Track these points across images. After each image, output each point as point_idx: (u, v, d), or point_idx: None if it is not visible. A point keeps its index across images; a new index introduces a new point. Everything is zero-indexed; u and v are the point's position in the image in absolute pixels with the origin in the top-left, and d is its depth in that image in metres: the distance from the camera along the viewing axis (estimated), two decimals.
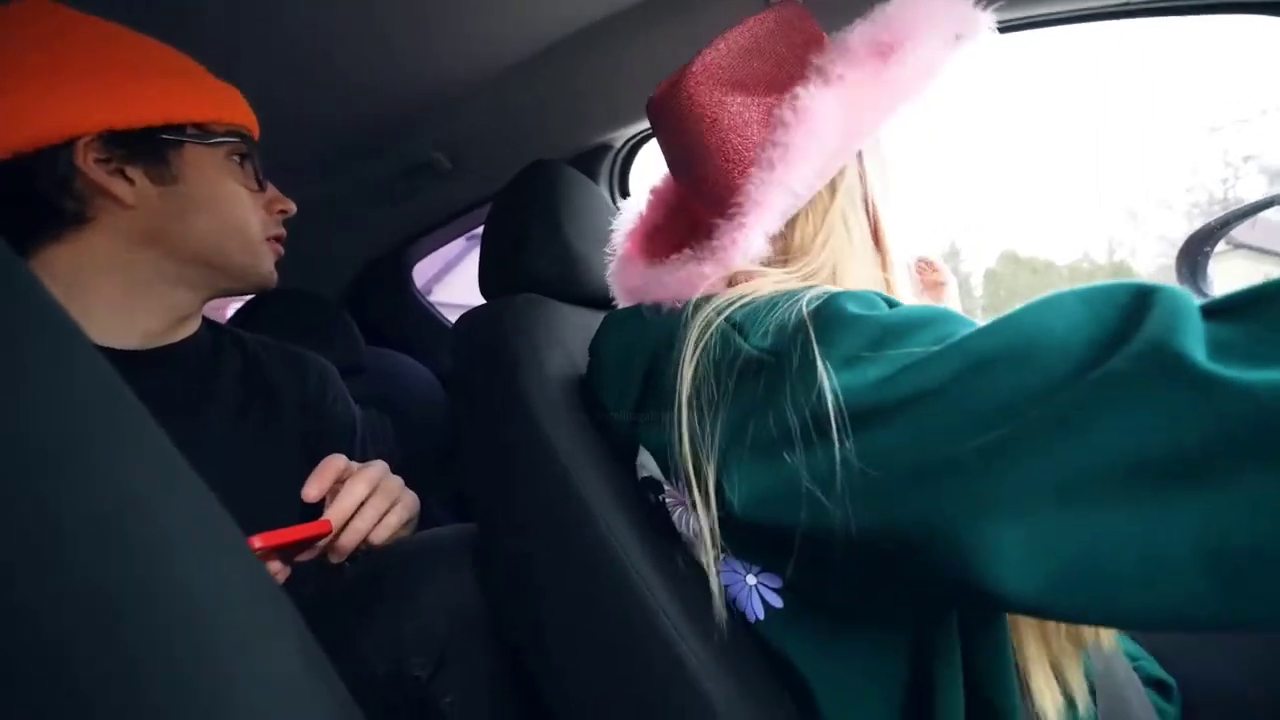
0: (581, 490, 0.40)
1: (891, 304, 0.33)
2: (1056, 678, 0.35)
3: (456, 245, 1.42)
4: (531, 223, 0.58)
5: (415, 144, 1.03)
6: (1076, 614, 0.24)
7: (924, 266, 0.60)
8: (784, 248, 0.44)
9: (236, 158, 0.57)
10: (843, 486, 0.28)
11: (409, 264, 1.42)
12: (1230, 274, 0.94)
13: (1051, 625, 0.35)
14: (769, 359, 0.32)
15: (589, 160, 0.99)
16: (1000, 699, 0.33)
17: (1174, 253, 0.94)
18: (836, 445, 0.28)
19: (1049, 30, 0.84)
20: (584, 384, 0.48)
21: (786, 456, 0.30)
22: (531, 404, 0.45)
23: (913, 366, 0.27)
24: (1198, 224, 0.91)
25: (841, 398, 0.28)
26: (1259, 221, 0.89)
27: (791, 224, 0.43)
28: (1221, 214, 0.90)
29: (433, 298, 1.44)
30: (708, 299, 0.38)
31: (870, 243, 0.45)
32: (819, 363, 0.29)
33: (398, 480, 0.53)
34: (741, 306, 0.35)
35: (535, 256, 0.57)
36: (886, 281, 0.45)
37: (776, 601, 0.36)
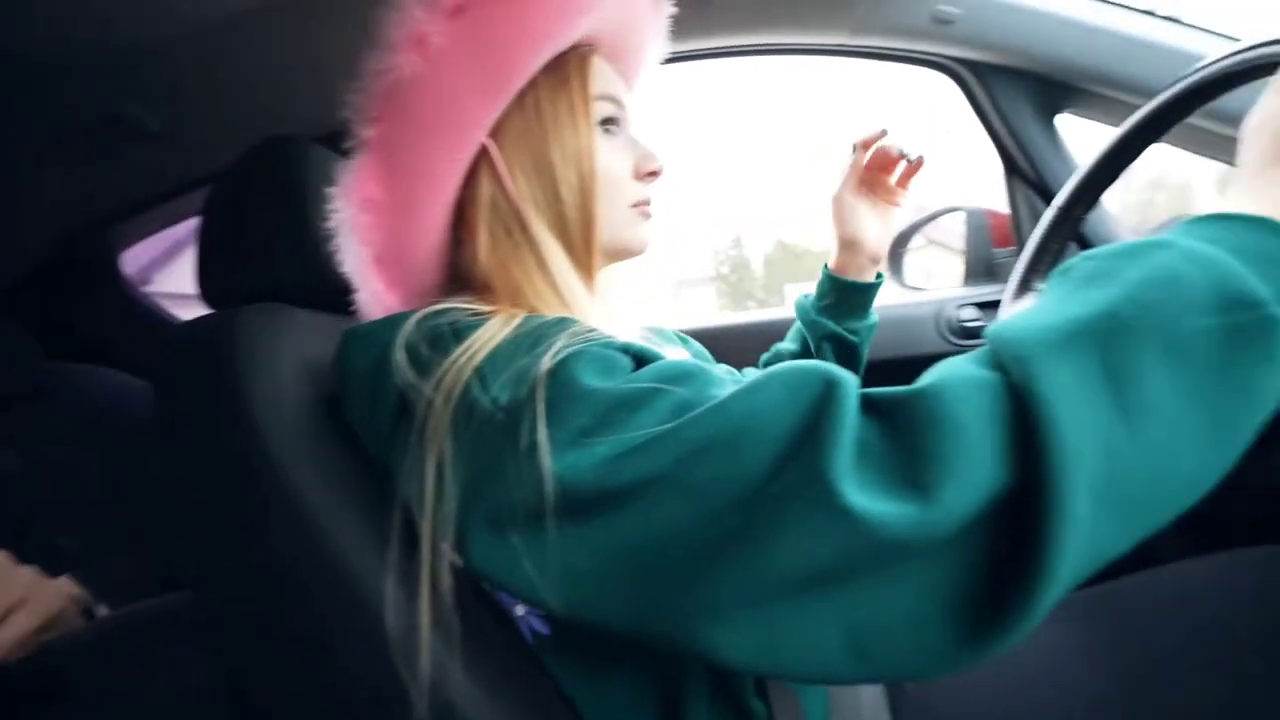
0: (335, 542, 0.35)
1: (642, 356, 0.32)
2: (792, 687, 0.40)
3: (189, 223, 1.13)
4: (264, 213, 0.48)
5: (107, 87, 0.78)
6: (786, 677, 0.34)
7: (883, 162, 0.59)
8: (458, 273, 0.43)
9: None
10: (565, 577, 0.28)
11: (113, 250, 1.09)
12: (923, 262, 1.21)
13: None
14: (502, 417, 0.30)
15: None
16: (747, 705, 0.37)
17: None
18: (555, 534, 0.27)
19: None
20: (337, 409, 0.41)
21: (512, 537, 0.29)
22: (269, 445, 0.37)
23: (637, 450, 0.27)
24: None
25: (565, 482, 0.27)
26: (939, 223, 1.17)
27: (459, 245, 0.43)
28: (912, 221, 1.17)
29: (154, 288, 1.14)
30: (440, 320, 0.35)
31: (552, 249, 0.42)
32: (542, 444, 0.28)
33: (26, 574, 0.44)
34: (488, 353, 0.32)
35: (272, 255, 0.47)
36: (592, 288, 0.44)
37: (544, 629, 0.37)
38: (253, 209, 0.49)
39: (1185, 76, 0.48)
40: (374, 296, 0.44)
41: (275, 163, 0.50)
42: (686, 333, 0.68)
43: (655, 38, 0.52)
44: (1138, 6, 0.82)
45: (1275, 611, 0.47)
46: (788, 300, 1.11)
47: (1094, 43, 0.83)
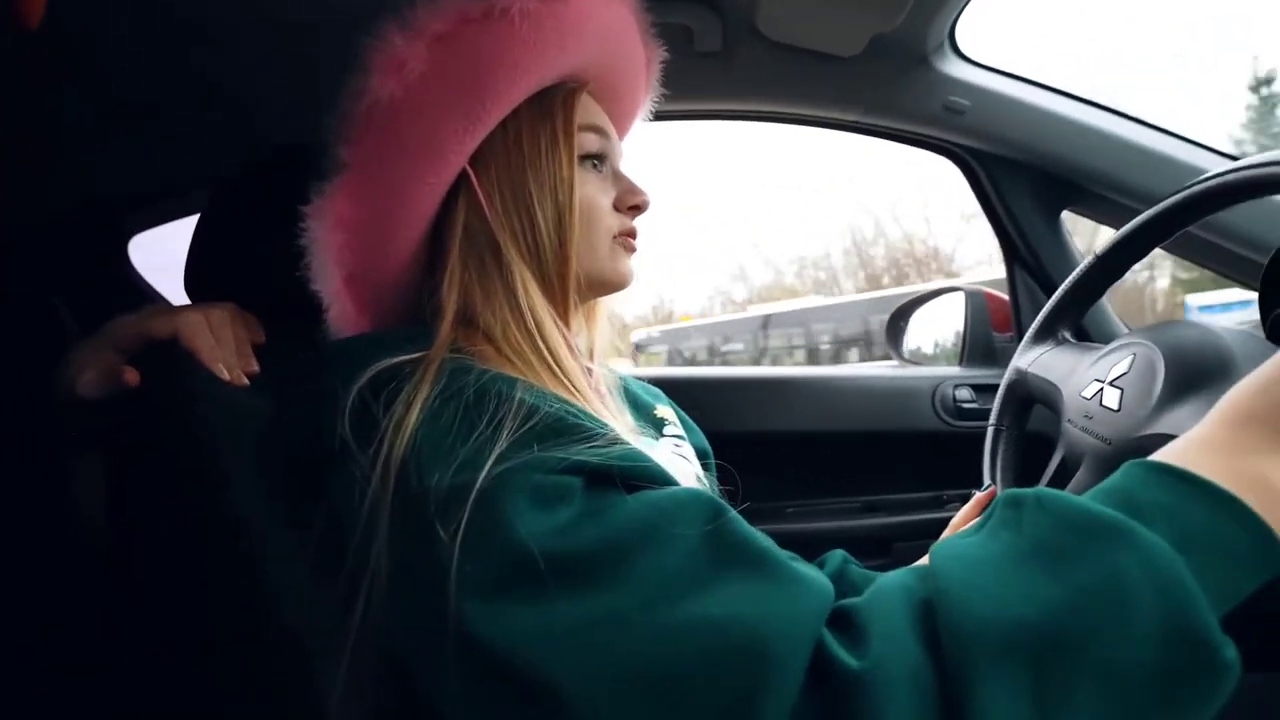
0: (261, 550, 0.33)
1: (595, 473, 0.30)
2: None
3: None
4: (255, 222, 0.48)
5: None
6: None
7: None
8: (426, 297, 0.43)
9: None
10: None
11: (124, 233, 1.10)
12: (921, 338, 1.22)
13: None
14: (432, 507, 0.28)
15: None
16: None
17: None
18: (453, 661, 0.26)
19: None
20: None
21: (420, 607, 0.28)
22: (220, 457, 0.35)
23: (547, 639, 0.25)
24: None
25: (467, 625, 0.26)
26: (939, 302, 1.18)
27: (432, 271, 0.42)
28: (911, 296, 1.18)
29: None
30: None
31: (524, 278, 0.41)
32: (453, 579, 0.26)
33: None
34: (419, 423, 0.30)
35: (256, 263, 0.47)
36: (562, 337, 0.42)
37: None
38: (245, 217, 0.49)
39: (1187, 187, 0.49)
40: (343, 316, 0.43)
41: (275, 174, 0.50)
42: (669, 381, 0.67)
43: (645, 82, 0.53)
44: (1147, 120, 0.85)
45: None
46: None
47: (1099, 145, 0.86)
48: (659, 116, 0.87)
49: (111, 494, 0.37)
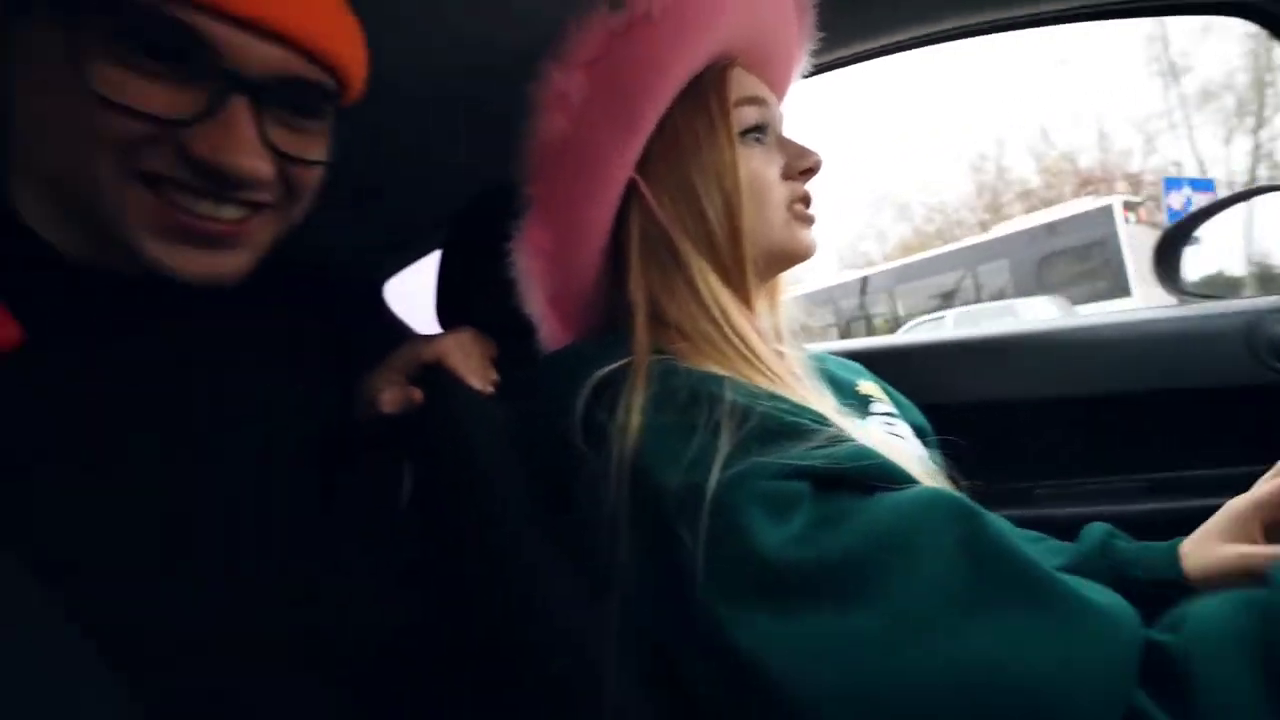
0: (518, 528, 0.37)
1: (822, 477, 0.28)
2: None
3: None
4: (483, 253, 0.55)
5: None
6: None
7: None
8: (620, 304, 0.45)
9: None
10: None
11: (379, 279, 1.37)
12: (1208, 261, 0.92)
13: None
14: (672, 504, 0.29)
15: None
16: None
17: None
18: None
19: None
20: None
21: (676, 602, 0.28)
22: (477, 453, 0.42)
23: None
24: None
25: (725, 630, 0.26)
26: (1239, 211, 0.88)
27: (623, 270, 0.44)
28: (1202, 205, 0.89)
29: None
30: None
31: (702, 269, 0.41)
32: (698, 593, 0.27)
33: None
34: (642, 428, 0.32)
35: (488, 290, 0.54)
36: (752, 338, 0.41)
37: None
38: (473, 249, 0.57)
39: None
40: (551, 333, 0.48)
41: (487, 212, 0.58)
42: (868, 353, 0.61)
43: (798, 37, 0.50)
44: None
45: None
46: None
47: None
48: (824, 68, 0.79)
49: (416, 495, 0.47)
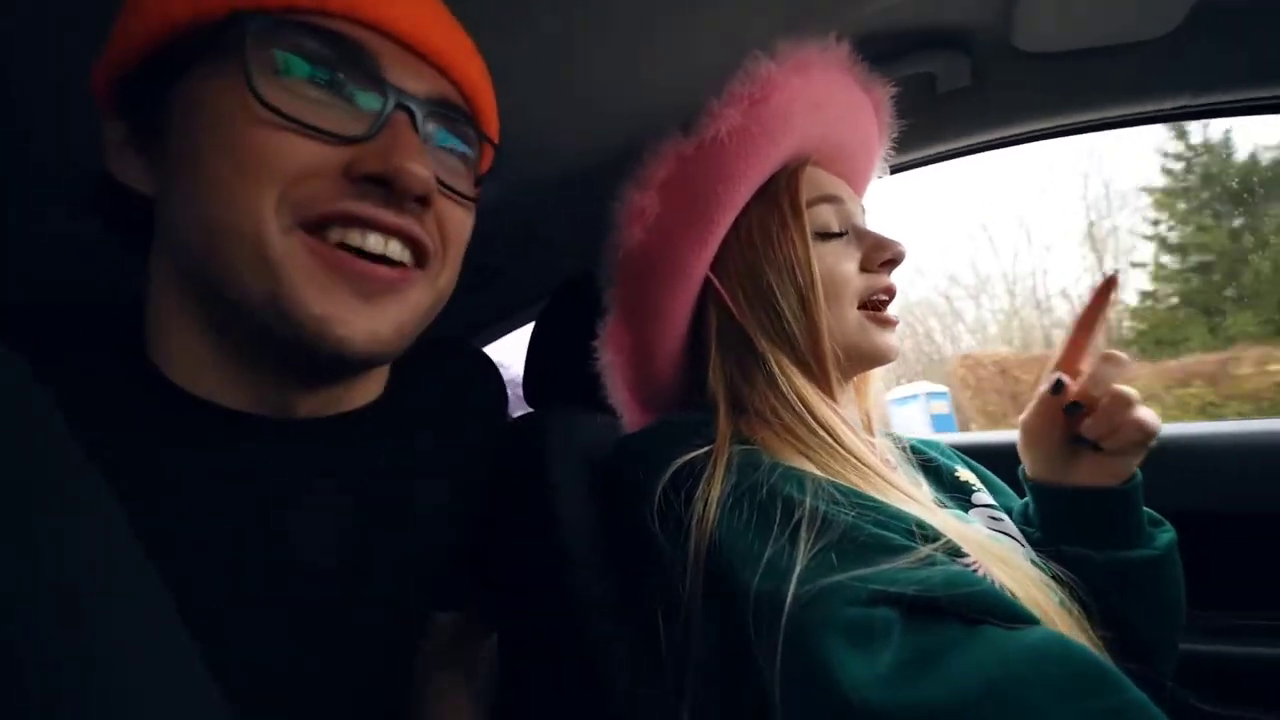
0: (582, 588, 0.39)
1: (909, 602, 0.25)
2: None
3: None
4: (569, 334, 0.60)
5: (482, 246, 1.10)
6: None
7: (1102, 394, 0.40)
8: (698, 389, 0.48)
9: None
10: None
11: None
12: None
13: None
14: (749, 605, 0.28)
15: None
16: None
17: None
18: None
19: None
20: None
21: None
22: (561, 519, 0.44)
23: None
24: None
25: None
26: None
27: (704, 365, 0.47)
28: None
29: None
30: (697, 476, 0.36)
31: (782, 364, 0.42)
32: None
33: None
34: (718, 520, 0.32)
35: (575, 368, 0.59)
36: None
37: None
38: (562, 329, 0.63)
39: None
40: (631, 417, 0.53)
41: (578, 296, 0.63)
42: (964, 447, 0.59)
43: (877, 132, 0.52)
44: None
45: None
46: None
47: None
48: (903, 167, 0.82)
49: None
